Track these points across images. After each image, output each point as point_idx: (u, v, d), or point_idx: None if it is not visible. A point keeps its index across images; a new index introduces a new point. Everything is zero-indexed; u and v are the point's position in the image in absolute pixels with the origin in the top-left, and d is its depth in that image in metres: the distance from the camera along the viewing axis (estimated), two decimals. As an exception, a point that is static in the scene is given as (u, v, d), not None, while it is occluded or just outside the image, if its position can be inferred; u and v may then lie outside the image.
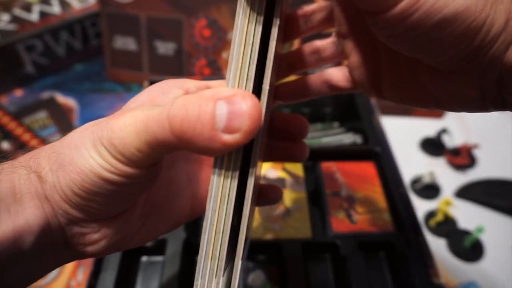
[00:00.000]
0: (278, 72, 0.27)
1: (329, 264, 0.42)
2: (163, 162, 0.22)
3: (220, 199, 0.18)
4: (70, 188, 0.18)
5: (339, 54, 0.26)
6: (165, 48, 0.68)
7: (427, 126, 0.67)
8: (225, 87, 0.18)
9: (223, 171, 0.18)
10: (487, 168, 0.61)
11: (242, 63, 0.18)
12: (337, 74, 0.26)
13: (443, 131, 0.63)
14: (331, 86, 0.27)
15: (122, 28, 0.68)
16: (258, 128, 0.16)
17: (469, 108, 0.21)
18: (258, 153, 0.19)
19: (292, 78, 0.28)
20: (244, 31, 0.18)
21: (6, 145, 0.61)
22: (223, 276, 0.18)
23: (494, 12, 0.17)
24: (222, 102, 0.16)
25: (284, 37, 0.26)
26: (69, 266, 0.48)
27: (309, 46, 0.27)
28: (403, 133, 0.65)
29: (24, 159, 0.20)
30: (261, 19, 0.18)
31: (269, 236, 0.42)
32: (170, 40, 0.67)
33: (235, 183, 0.18)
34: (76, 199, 0.19)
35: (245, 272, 0.40)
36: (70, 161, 0.18)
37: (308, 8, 0.25)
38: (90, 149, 0.18)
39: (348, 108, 0.57)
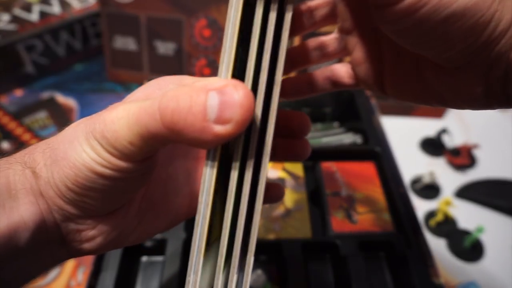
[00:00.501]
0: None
1: (329, 264, 0.42)
2: (161, 159, 0.22)
3: (214, 193, 0.18)
4: (64, 183, 0.18)
5: (341, 50, 0.26)
6: (165, 48, 0.68)
7: (427, 126, 0.67)
8: (218, 78, 0.18)
9: (216, 163, 0.18)
10: (487, 168, 0.61)
11: (235, 54, 0.18)
12: (340, 71, 0.26)
13: (443, 131, 0.63)
14: (334, 83, 0.27)
15: (122, 28, 0.68)
16: (250, 118, 0.16)
17: (473, 105, 0.21)
18: (270, 146, 0.19)
19: (291, 75, 0.28)
20: (237, 23, 0.18)
21: (6, 145, 0.61)
22: (236, 273, 0.18)
23: (502, 8, 0.17)
24: (213, 92, 0.16)
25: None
26: (69, 266, 0.48)
27: (313, 41, 0.26)
28: (403, 133, 0.65)
29: (19, 155, 0.20)
30: (275, 7, 0.18)
31: (269, 236, 0.42)
32: (170, 40, 0.67)
33: (234, 175, 0.18)
34: (70, 194, 0.18)
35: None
36: (63, 155, 0.18)
37: (312, 3, 0.25)
38: (83, 143, 0.18)
39: (348, 108, 0.57)
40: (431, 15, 0.17)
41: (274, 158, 0.28)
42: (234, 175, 0.18)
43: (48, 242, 0.20)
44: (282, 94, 0.27)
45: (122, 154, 0.18)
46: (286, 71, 0.27)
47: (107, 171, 0.18)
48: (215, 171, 0.18)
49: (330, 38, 0.26)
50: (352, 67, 0.26)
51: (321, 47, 0.26)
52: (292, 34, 0.26)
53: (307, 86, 0.27)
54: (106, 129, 0.17)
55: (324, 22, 0.26)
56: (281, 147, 0.27)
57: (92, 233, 0.21)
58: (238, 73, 0.18)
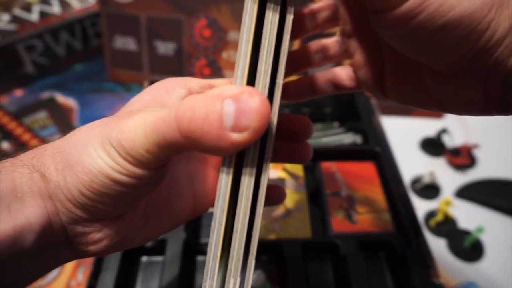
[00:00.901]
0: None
1: (329, 264, 0.42)
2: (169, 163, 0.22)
3: (229, 198, 0.18)
4: (77, 189, 0.18)
5: (343, 53, 0.26)
6: (165, 48, 0.68)
7: (427, 126, 0.67)
8: (232, 85, 0.18)
9: (231, 170, 0.18)
10: (487, 168, 0.61)
11: (250, 60, 0.18)
12: (341, 73, 0.26)
13: (443, 131, 0.63)
14: (336, 85, 0.27)
15: (122, 28, 0.68)
16: (266, 126, 0.16)
17: (472, 112, 0.21)
18: (271, 150, 0.19)
19: (292, 78, 0.28)
20: (252, 28, 0.18)
21: (6, 145, 0.61)
22: (239, 276, 0.18)
23: (498, 17, 0.17)
24: (229, 100, 0.16)
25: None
26: (69, 266, 0.48)
27: (315, 44, 0.27)
28: (403, 133, 0.65)
29: (26, 158, 0.20)
30: (278, 8, 0.18)
31: (269, 236, 0.42)
32: (170, 40, 0.67)
33: (248, 181, 0.18)
34: (83, 199, 0.18)
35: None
36: (77, 161, 0.18)
37: (314, 6, 0.25)
38: (98, 149, 0.18)
39: (348, 108, 0.57)
40: (427, 22, 0.17)
41: (276, 160, 0.28)
42: (245, 180, 0.18)
43: (53, 244, 0.20)
44: (285, 96, 0.27)
45: (138, 162, 0.18)
46: (288, 73, 0.28)
47: (123, 178, 0.18)
48: (230, 177, 0.18)
49: (331, 41, 0.26)
50: (353, 70, 0.26)
51: (323, 50, 0.27)
52: (295, 36, 0.26)
53: (309, 89, 0.27)
54: (123, 137, 0.17)
55: (326, 25, 0.26)
56: (283, 150, 0.27)
57: (99, 236, 0.21)
58: (251, 78, 0.18)
